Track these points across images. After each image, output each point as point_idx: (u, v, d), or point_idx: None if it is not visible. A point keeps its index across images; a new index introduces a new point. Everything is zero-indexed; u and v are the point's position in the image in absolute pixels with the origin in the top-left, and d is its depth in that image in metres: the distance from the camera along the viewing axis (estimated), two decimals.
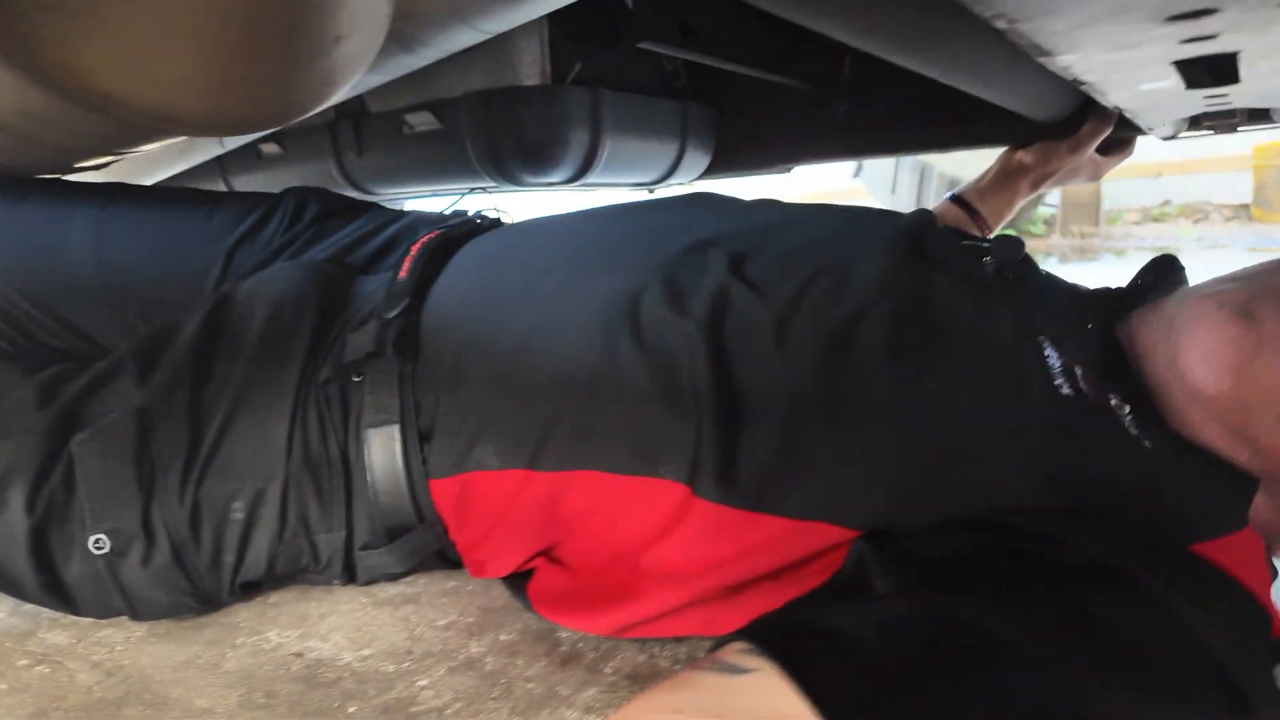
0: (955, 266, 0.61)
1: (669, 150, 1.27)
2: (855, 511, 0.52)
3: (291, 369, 0.69)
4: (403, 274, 0.75)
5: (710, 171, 1.47)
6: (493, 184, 1.14)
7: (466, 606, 0.71)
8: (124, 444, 0.64)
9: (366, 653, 0.64)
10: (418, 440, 0.65)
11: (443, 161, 1.15)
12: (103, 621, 0.70)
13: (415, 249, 0.78)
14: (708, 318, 0.59)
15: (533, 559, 0.65)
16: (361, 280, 0.80)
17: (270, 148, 1.43)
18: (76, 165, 0.81)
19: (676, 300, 0.62)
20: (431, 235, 0.80)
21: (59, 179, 0.86)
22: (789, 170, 1.40)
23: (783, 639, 0.41)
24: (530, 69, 1.01)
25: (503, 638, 0.65)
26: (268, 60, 0.49)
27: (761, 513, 0.54)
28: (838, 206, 0.78)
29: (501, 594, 0.72)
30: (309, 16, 0.46)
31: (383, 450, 0.66)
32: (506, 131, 1.05)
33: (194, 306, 0.75)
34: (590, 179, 1.17)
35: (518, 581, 0.67)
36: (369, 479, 0.66)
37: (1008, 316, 0.55)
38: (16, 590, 0.66)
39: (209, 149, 1.28)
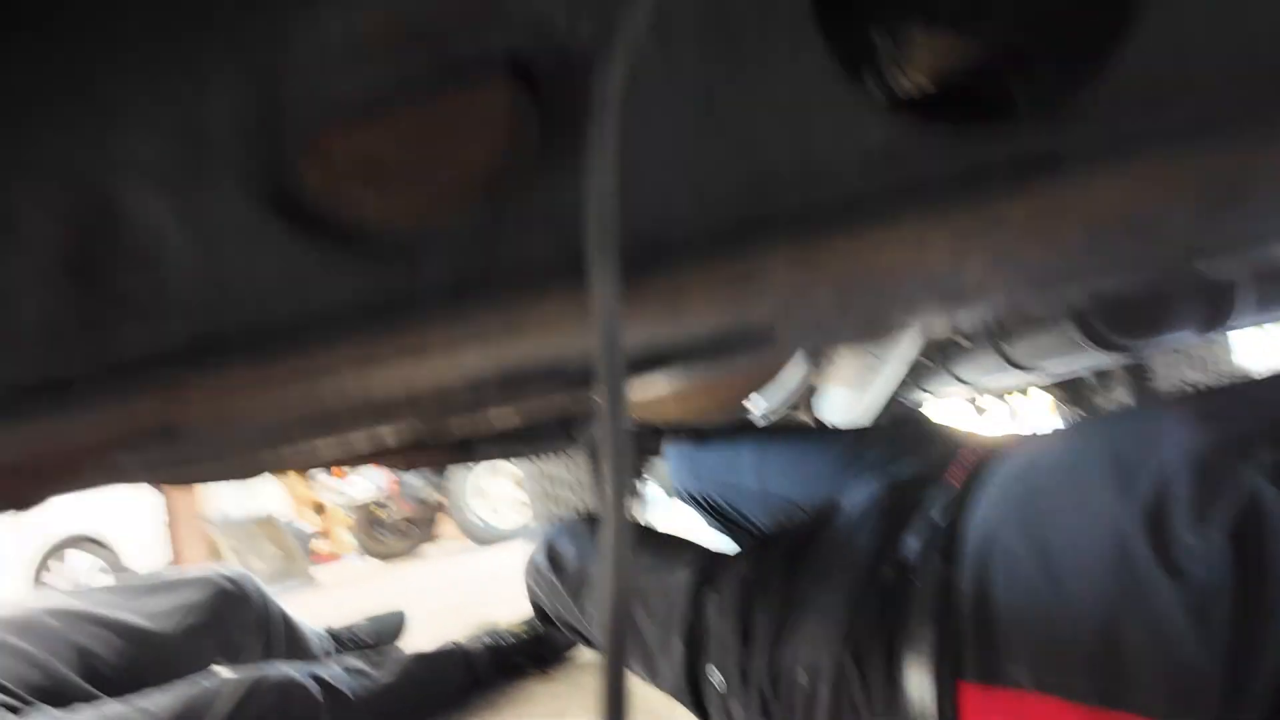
0: None
1: None
2: None
3: (860, 565, 0.84)
4: (953, 481, 0.83)
5: None
6: (1104, 356, 1.04)
7: None
8: (733, 605, 0.92)
9: None
10: (953, 642, 0.71)
11: (1060, 341, 1.11)
12: None
13: (966, 457, 0.84)
14: (1231, 534, 0.50)
15: None
16: (930, 489, 0.90)
17: (962, 341, 1.60)
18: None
19: (1200, 514, 0.53)
20: (981, 447, 0.85)
21: (743, 420, 1.29)
22: None
23: None
24: None
25: None
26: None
27: None
28: None
29: None
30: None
31: (919, 647, 0.74)
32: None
33: (811, 512, 1.01)
34: (1246, 319, 0.92)
35: None
36: (903, 672, 0.75)
37: None
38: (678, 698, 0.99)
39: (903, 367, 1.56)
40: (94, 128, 0.30)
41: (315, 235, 0.29)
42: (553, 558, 1.16)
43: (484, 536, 4.96)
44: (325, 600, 1.74)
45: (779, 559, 0.91)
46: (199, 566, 1.72)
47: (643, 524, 1.19)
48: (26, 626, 1.15)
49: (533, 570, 1.19)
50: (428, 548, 5.41)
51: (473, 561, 4.16)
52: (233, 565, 1.71)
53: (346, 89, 0.30)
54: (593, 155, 0.24)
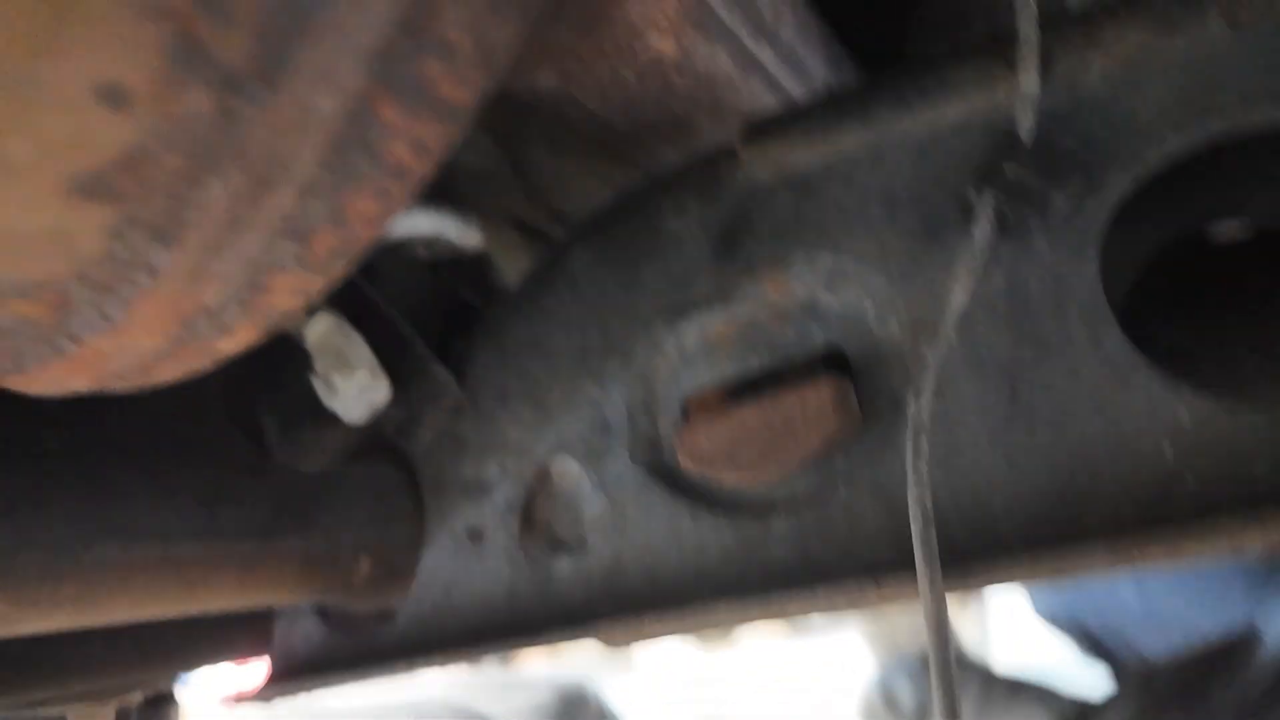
0: None
1: None
2: None
3: None
4: None
5: None
6: None
7: None
8: None
9: None
10: None
11: None
12: None
13: None
14: None
15: None
16: None
17: None
18: None
19: None
20: None
21: None
22: None
23: None
24: None
25: None
26: None
27: None
28: None
29: None
30: None
31: None
32: None
33: (1218, 641, 0.87)
34: None
35: None
36: None
37: None
38: None
39: None
40: (539, 421, 0.42)
41: (687, 496, 0.38)
42: (888, 698, 1.15)
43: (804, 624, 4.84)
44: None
45: (1175, 704, 0.79)
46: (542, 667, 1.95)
47: (992, 672, 1.10)
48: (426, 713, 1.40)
49: (867, 708, 1.19)
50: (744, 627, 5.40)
51: (793, 651, 4.08)
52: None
53: (700, 378, 0.39)
54: (909, 456, 0.29)
